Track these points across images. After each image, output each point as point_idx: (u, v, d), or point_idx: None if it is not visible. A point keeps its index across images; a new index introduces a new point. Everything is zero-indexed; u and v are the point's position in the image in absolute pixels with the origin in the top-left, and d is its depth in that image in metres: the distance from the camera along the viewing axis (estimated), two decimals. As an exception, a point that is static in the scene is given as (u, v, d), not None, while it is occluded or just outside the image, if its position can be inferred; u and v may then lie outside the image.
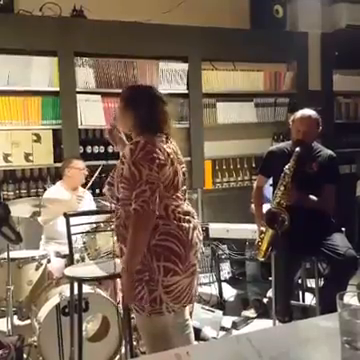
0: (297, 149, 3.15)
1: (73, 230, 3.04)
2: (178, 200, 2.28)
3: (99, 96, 4.59)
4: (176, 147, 2.38)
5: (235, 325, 3.69)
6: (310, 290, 3.90)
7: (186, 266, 2.23)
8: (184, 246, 2.22)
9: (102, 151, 4.58)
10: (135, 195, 2.12)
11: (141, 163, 2.13)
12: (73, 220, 3.05)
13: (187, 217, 2.28)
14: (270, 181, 4.20)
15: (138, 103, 2.30)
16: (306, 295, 3.96)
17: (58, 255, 3.63)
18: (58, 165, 4.38)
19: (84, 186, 4.08)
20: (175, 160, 2.28)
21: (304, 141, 3.26)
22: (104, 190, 2.43)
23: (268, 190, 4.11)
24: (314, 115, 3.30)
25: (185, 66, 4.88)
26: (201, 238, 2.37)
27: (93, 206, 4.09)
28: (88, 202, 4.06)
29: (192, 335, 2.59)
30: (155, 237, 2.18)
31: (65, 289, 3.00)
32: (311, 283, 3.79)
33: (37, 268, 3.38)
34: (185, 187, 2.37)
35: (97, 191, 4.47)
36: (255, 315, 3.88)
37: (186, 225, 2.25)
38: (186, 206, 2.33)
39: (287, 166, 3.14)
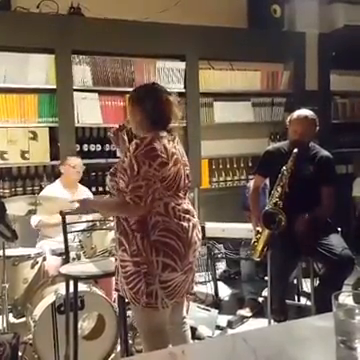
0: (295, 150, 3.15)
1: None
2: (179, 199, 2.31)
3: (96, 94, 4.59)
4: (182, 149, 2.41)
5: (230, 324, 3.69)
6: (305, 294, 3.91)
7: (184, 264, 2.26)
8: (184, 244, 2.25)
9: (99, 149, 4.58)
10: (131, 188, 2.17)
11: (142, 159, 2.16)
12: (68, 218, 3.06)
13: (187, 216, 2.31)
14: (246, 191, 4.30)
15: (143, 98, 2.34)
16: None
17: (54, 253, 3.62)
18: (54, 163, 4.38)
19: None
20: (179, 161, 2.31)
21: (301, 141, 3.26)
22: (106, 181, 2.45)
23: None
24: (311, 115, 3.30)
25: (182, 65, 4.87)
26: (200, 237, 2.40)
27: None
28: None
29: (189, 333, 2.60)
30: (155, 233, 2.21)
31: (61, 287, 3.00)
32: (307, 283, 3.80)
33: (33, 266, 3.37)
34: (187, 188, 2.40)
35: (93, 189, 4.48)
36: (250, 314, 3.89)
37: (186, 224, 2.28)
38: (186, 205, 2.36)
39: (285, 167, 3.14)
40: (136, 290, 2.22)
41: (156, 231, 2.21)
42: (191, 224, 2.31)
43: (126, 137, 2.56)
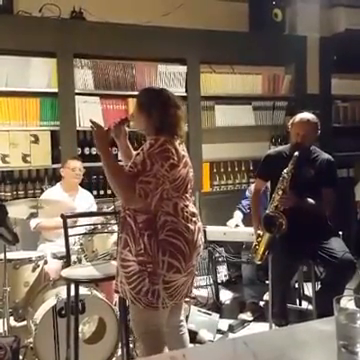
0: (296, 153, 3.15)
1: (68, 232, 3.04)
2: (186, 200, 2.35)
3: (98, 98, 4.59)
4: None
5: (231, 328, 3.68)
6: (307, 298, 3.90)
7: (188, 266, 2.29)
8: (189, 246, 2.28)
9: (100, 153, 4.57)
10: (140, 180, 2.20)
11: (156, 158, 2.21)
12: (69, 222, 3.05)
13: (194, 218, 2.35)
14: (247, 193, 4.34)
15: (150, 107, 2.35)
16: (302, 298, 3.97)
17: (55, 256, 3.63)
18: (56, 166, 4.38)
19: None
20: (187, 164, 2.37)
21: (303, 144, 3.26)
22: None
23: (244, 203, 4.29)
24: (313, 119, 3.31)
25: (184, 69, 4.88)
26: (203, 241, 2.44)
27: (94, 208, 4.08)
28: (85, 202, 4.05)
29: (187, 336, 2.62)
30: (163, 232, 2.24)
31: (62, 290, 3.00)
32: (308, 287, 3.79)
33: (34, 269, 3.37)
34: (191, 190, 2.43)
35: (95, 192, 4.48)
36: (251, 318, 3.88)
37: (192, 226, 2.31)
38: (192, 207, 2.39)
39: (285, 170, 3.14)
40: (138, 290, 2.24)
41: (164, 231, 2.24)
42: (197, 227, 2.35)
43: (127, 132, 2.56)
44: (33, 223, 3.80)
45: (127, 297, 2.33)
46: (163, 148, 2.23)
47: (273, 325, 3.34)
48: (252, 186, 4.25)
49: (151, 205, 2.25)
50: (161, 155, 2.22)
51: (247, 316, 3.89)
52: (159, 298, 2.24)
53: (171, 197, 2.28)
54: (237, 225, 4.17)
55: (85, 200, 4.07)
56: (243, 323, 3.80)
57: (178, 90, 4.82)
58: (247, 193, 4.40)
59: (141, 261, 2.23)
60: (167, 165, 2.22)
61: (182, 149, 2.36)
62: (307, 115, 3.33)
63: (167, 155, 2.24)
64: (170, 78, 4.84)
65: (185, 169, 2.33)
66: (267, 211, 3.18)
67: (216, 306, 4.11)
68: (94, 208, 4.07)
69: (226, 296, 4.40)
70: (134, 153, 2.46)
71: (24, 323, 3.28)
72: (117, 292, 2.43)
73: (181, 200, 2.31)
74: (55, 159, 4.41)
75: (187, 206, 2.34)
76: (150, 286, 2.22)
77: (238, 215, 4.30)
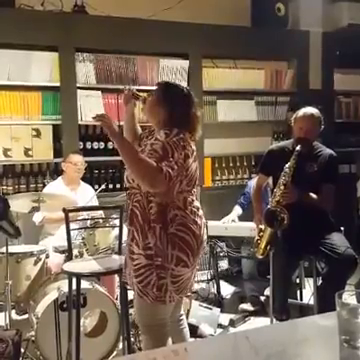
0: (297, 148, 3.15)
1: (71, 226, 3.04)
2: (193, 195, 2.36)
3: (99, 92, 4.59)
4: None
5: (232, 322, 3.69)
6: (308, 293, 3.90)
7: (195, 260, 2.30)
8: (197, 240, 2.29)
9: (102, 147, 4.58)
10: (165, 164, 2.15)
11: (175, 145, 2.20)
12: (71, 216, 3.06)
13: (199, 213, 2.36)
14: (246, 188, 4.34)
15: (172, 104, 2.34)
16: (304, 293, 3.97)
17: (57, 250, 3.63)
18: (57, 160, 4.39)
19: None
20: (196, 158, 2.37)
21: (306, 139, 3.25)
22: (125, 174, 2.40)
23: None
24: (316, 113, 3.30)
25: (186, 63, 4.87)
26: (207, 236, 2.47)
27: (95, 202, 4.08)
28: (87, 196, 4.05)
29: (187, 330, 2.63)
30: (173, 226, 2.24)
31: (63, 284, 3.00)
32: (309, 282, 3.79)
33: (36, 263, 3.38)
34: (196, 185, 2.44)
35: (96, 187, 4.48)
36: (252, 309, 3.89)
37: (199, 221, 2.33)
38: (197, 202, 2.40)
39: (287, 165, 3.14)
40: (145, 283, 2.23)
41: (174, 224, 2.24)
42: (203, 222, 2.36)
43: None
44: (39, 217, 3.79)
45: (134, 289, 2.32)
46: (179, 137, 2.23)
47: (274, 320, 3.35)
48: (252, 181, 4.26)
49: (173, 193, 2.22)
50: (178, 144, 2.21)
51: (248, 306, 3.90)
52: (167, 292, 2.24)
53: (182, 190, 2.27)
54: (233, 221, 4.18)
55: (87, 194, 4.07)
56: (244, 318, 3.81)
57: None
58: (247, 188, 4.40)
59: (148, 255, 2.22)
60: (183, 154, 2.22)
61: (193, 143, 2.37)
62: (310, 110, 3.32)
63: (183, 145, 2.23)
64: (172, 73, 4.83)
65: (195, 163, 2.33)
66: (269, 206, 3.18)
67: (217, 300, 4.12)
68: (94, 202, 4.07)
69: (227, 290, 4.42)
70: (139, 129, 2.53)
71: (26, 316, 3.30)
72: (126, 283, 2.43)
73: (189, 194, 2.32)
74: (57, 153, 4.42)
75: (194, 200, 2.35)
76: (157, 280, 2.22)
77: (236, 210, 4.30)
